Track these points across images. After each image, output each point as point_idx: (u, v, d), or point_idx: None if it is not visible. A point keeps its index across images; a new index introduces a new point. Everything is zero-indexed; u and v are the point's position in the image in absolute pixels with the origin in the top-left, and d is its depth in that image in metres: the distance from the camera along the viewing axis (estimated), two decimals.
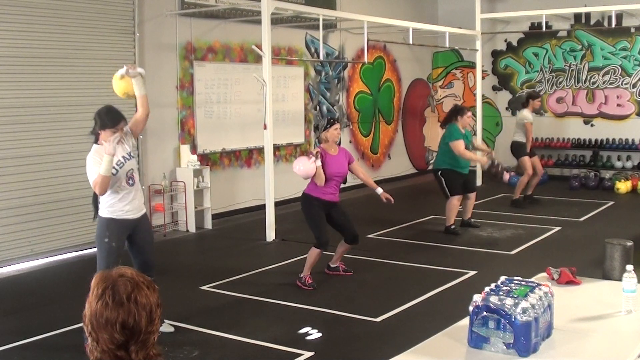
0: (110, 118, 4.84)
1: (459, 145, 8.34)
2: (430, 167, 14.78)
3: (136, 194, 5.00)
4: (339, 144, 6.75)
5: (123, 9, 8.44)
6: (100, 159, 4.74)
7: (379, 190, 6.69)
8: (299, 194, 6.65)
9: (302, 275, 6.42)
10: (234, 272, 6.95)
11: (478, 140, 12.41)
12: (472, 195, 8.87)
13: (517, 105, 13.60)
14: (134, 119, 5.08)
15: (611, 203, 10.68)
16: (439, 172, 8.61)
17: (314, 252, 6.39)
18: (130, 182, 4.95)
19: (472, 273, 6.78)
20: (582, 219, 9.47)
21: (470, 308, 2.94)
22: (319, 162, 6.24)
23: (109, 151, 4.70)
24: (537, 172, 10.49)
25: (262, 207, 8.76)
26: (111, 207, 4.91)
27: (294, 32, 11.08)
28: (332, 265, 6.84)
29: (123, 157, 4.91)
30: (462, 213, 8.93)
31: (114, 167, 4.82)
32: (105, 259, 4.87)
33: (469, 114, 8.61)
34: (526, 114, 10.30)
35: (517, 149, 10.39)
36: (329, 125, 6.43)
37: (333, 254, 6.81)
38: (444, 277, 6.64)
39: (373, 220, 9.40)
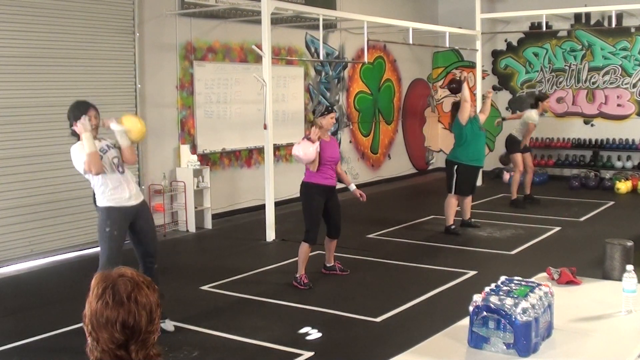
0: (79, 108, 4.92)
1: (460, 111, 8.43)
2: (431, 167, 14.84)
3: (129, 181, 5.06)
4: (340, 143, 6.77)
5: (123, 9, 8.44)
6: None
7: (353, 186, 6.72)
8: (299, 194, 6.64)
9: (297, 275, 6.43)
10: (234, 272, 6.95)
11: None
12: (469, 196, 8.88)
13: (517, 105, 13.63)
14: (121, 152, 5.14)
15: (611, 203, 10.68)
16: (455, 167, 8.57)
17: (303, 248, 6.42)
18: (120, 169, 5.00)
19: (472, 273, 6.78)
20: (582, 219, 9.47)
21: (470, 308, 2.94)
22: (319, 149, 6.24)
23: (84, 129, 4.77)
24: (527, 169, 10.52)
25: (262, 207, 8.76)
26: (110, 195, 4.94)
27: (294, 32, 11.08)
28: (328, 265, 6.86)
29: (106, 145, 5.00)
30: (461, 213, 8.93)
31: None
32: (109, 249, 4.89)
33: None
34: (534, 115, 10.33)
35: (511, 144, 10.46)
36: (326, 112, 6.40)
37: (324, 252, 6.84)
38: (444, 277, 6.64)
39: (373, 220, 9.41)
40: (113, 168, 4.96)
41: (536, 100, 10.57)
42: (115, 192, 4.94)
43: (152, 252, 5.15)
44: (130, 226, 5.05)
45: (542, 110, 10.51)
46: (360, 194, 6.70)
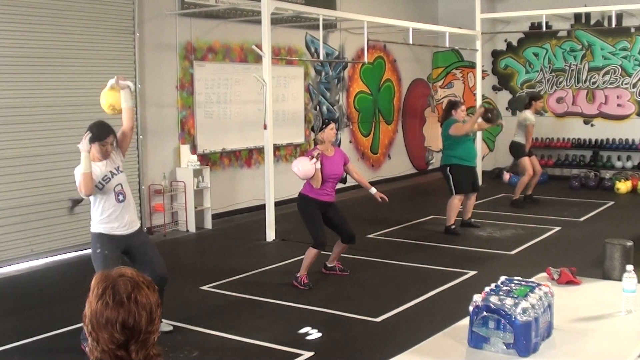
0: (99, 132, 4.82)
1: (456, 127, 8.39)
2: (431, 167, 14.84)
3: (126, 210, 4.95)
4: (339, 144, 6.77)
5: (123, 9, 8.44)
6: None
7: (373, 190, 6.74)
8: (297, 206, 6.64)
9: (298, 275, 6.43)
10: (234, 272, 6.95)
11: (477, 142, 12.44)
12: (473, 196, 8.88)
13: (517, 105, 13.63)
14: (121, 132, 5.09)
15: (611, 203, 10.68)
16: (448, 169, 8.60)
17: (311, 253, 6.40)
18: (120, 197, 4.92)
19: (472, 273, 6.78)
20: (582, 219, 9.47)
21: (470, 308, 2.94)
22: (318, 165, 6.24)
23: (83, 149, 4.73)
24: (536, 172, 10.52)
25: (262, 207, 8.76)
26: (100, 223, 4.90)
27: (294, 32, 11.08)
28: (328, 265, 6.85)
29: (110, 172, 4.89)
30: (462, 213, 8.93)
31: (99, 183, 4.82)
32: (102, 269, 4.83)
33: (463, 107, 8.66)
34: (529, 115, 10.33)
35: (516, 150, 10.42)
36: (324, 126, 6.44)
37: (330, 253, 6.83)
38: (444, 277, 6.64)
39: (373, 220, 9.40)
40: (115, 197, 4.89)
41: (529, 100, 10.60)
42: (108, 219, 4.88)
43: (160, 276, 4.87)
44: (127, 253, 4.99)
45: (535, 110, 10.48)
46: (381, 197, 6.69)
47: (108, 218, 4.89)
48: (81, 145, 4.75)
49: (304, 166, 6.23)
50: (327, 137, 6.42)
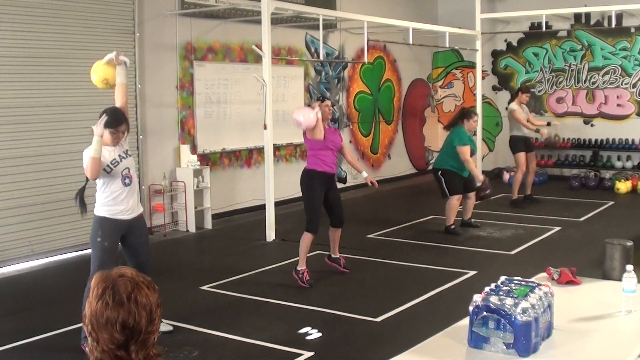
0: (113, 119, 4.85)
1: (467, 152, 8.40)
2: (431, 167, 14.85)
3: (131, 195, 4.98)
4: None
5: (123, 9, 8.44)
6: None
7: (364, 174, 6.84)
8: (299, 194, 6.65)
9: (299, 269, 6.43)
10: (234, 272, 6.95)
11: (477, 141, 12.44)
12: (472, 195, 8.87)
13: None
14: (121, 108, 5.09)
15: (611, 203, 10.68)
16: (439, 172, 8.61)
17: (305, 238, 6.43)
18: (127, 181, 4.95)
19: (472, 273, 6.78)
20: (582, 219, 9.47)
21: (470, 308, 2.94)
22: (319, 114, 6.27)
23: (97, 132, 4.74)
24: (530, 170, 10.46)
25: (262, 207, 8.77)
26: (105, 205, 4.92)
27: (294, 32, 11.08)
28: (333, 256, 6.88)
29: (119, 155, 4.93)
30: (462, 213, 8.93)
31: (107, 166, 4.85)
32: (99, 258, 4.87)
33: (476, 118, 8.66)
34: (512, 106, 10.31)
35: (514, 144, 10.38)
36: (320, 102, 6.50)
37: (328, 253, 6.87)
38: (444, 277, 6.64)
39: (373, 220, 9.40)
40: (122, 180, 4.91)
41: (517, 91, 10.61)
42: (113, 202, 4.90)
43: (144, 265, 4.99)
44: (123, 238, 5.02)
45: (519, 102, 10.38)
46: (371, 182, 6.79)
47: (113, 201, 4.91)
48: (95, 128, 4.76)
49: (306, 114, 6.26)
50: (322, 112, 6.45)
